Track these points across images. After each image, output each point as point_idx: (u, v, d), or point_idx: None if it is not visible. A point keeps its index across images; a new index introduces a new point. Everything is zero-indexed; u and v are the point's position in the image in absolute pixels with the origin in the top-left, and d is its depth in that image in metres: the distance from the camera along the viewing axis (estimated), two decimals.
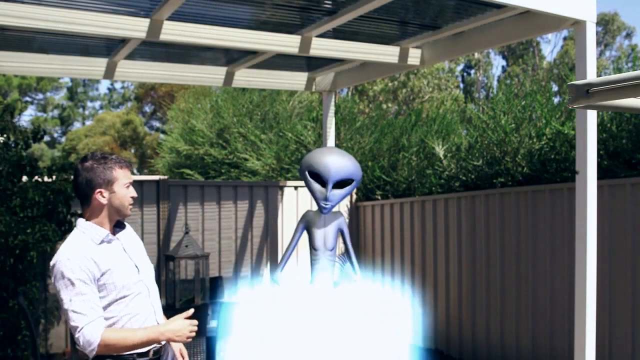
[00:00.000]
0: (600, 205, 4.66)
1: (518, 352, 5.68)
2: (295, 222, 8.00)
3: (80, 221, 2.58)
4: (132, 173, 2.74)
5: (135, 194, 2.65)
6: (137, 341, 2.46)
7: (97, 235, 2.53)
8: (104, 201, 2.54)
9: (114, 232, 2.65)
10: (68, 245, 2.50)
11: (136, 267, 2.61)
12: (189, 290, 4.88)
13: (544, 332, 5.43)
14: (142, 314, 2.57)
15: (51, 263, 2.47)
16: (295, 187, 8.00)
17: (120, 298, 2.50)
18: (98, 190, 2.53)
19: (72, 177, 5.86)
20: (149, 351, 2.57)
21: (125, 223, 2.77)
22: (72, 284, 2.39)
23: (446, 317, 6.58)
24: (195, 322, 2.58)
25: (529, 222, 5.56)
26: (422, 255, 6.93)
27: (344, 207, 8.19)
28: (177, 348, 2.86)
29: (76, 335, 2.37)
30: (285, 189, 7.93)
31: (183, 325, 2.56)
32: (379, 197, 7.88)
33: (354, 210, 8.22)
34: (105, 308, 2.47)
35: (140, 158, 30.80)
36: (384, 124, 8.83)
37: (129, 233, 2.75)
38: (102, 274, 2.46)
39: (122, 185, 2.57)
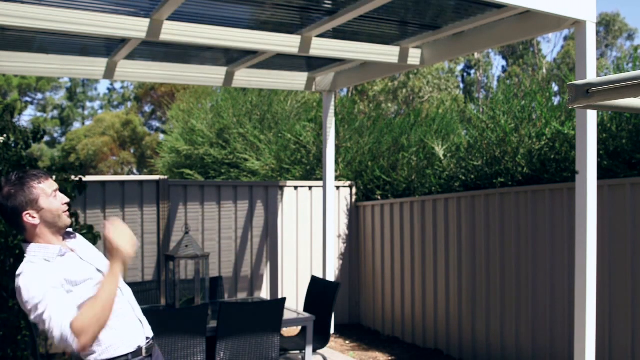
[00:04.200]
0: (600, 205, 4.66)
1: (518, 352, 5.68)
2: (295, 222, 8.03)
3: (26, 247, 2.45)
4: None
5: (66, 199, 2.51)
6: (107, 289, 2.32)
7: (48, 254, 2.43)
8: (36, 222, 2.43)
9: (65, 244, 2.55)
10: (28, 264, 2.38)
11: (98, 271, 2.55)
12: (189, 290, 4.87)
13: (544, 332, 5.43)
14: (121, 312, 2.53)
15: (17, 291, 2.32)
16: (295, 187, 8.00)
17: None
18: (25, 212, 2.41)
19: (72, 177, 5.90)
20: (140, 349, 2.56)
21: (72, 232, 2.66)
22: (39, 294, 2.28)
23: (446, 317, 6.58)
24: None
25: (529, 222, 5.56)
26: (422, 255, 6.93)
27: (344, 207, 8.19)
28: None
29: (54, 337, 2.27)
30: (285, 189, 7.93)
31: (124, 232, 2.41)
32: (379, 197, 7.88)
33: (354, 210, 8.22)
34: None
35: (139, 158, 30.79)
36: (383, 124, 8.84)
37: (79, 241, 2.65)
38: (67, 282, 2.39)
39: (46, 197, 2.44)
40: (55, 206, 2.46)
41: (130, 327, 2.56)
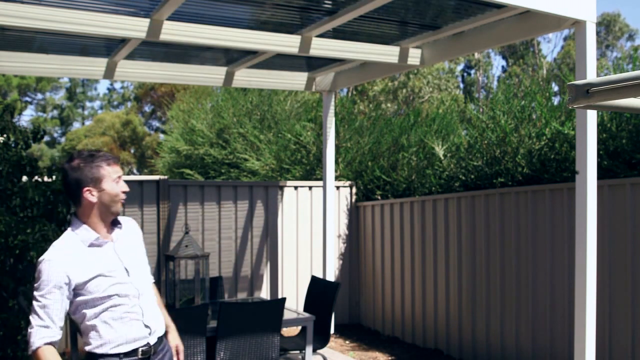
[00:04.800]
0: (600, 205, 4.66)
1: (518, 352, 5.68)
2: (295, 222, 8.03)
3: (74, 220, 2.58)
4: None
5: (126, 188, 2.62)
6: None
7: (87, 238, 2.54)
8: (93, 200, 2.53)
9: (110, 230, 2.64)
10: (56, 246, 2.52)
11: (126, 269, 2.59)
12: (189, 290, 4.87)
13: (544, 332, 5.43)
14: (127, 317, 2.56)
15: (39, 259, 2.49)
16: (295, 187, 8.00)
17: (102, 301, 2.50)
18: (87, 188, 2.52)
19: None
20: (137, 349, 2.57)
21: (124, 220, 2.74)
22: (43, 286, 2.42)
23: (446, 317, 6.58)
24: None
25: (529, 222, 5.56)
26: (422, 255, 6.93)
27: (344, 207, 8.19)
28: (174, 344, 2.86)
29: (28, 330, 2.44)
30: (285, 189, 7.93)
31: None
32: (379, 197, 7.88)
33: (354, 210, 8.22)
34: (86, 308, 2.50)
35: (139, 158, 30.79)
36: (382, 124, 8.84)
37: (126, 232, 2.72)
38: (82, 281, 2.46)
39: (110, 181, 2.55)
40: (116, 191, 2.57)
41: (133, 331, 2.57)
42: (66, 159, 2.61)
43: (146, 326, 2.61)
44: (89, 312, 2.50)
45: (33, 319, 2.43)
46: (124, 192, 2.61)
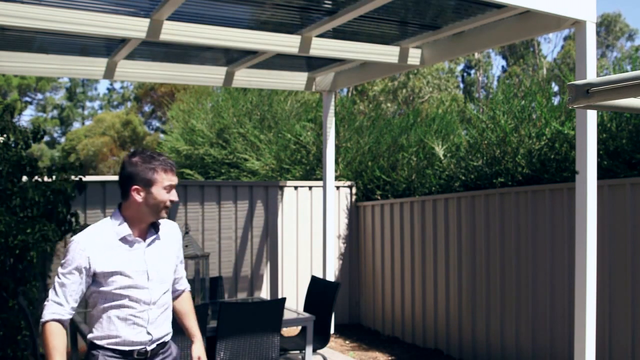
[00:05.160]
0: (600, 205, 4.66)
1: (518, 352, 5.68)
2: (295, 222, 8.03)
3: (116, 211, 2.63)
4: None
5: (175, 198, 2.64)
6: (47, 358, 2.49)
7: (120, 232, 2.57)
8: (139, 199, 2.56)
9: (147, 232, 2.65)
10: (90, 230, 2.59)
11: (147, 274, 2.60)
12: None
13: (544, 332, 5.43)
14: (132, 320, 2.57)
15: (71, 238, 2.58)
16: (295, 187, 8.00)
17: (114, 298, 2.53)
18: (136, 187, 2.55)
19: (72, 177, 5.89)
20: (132, 351, 2.58)
21: (167, 224, 2.76)
22: (66, 265, 2.51)
23: (446, 317, 6.58)
24: None
25: (529, 222, 5.56)
26: (422, 255, 6.93)
27: (344, 207, 8.19)
28: (196, 355, 2.86)
29: (44, 303, 2.52)
30: (285, 189, 7.93)
31: None
32: (379, 197, 7.88)
33: (354, 210, 8.22)
34: (98, 298, 2.55)
35: None
36: (382, 124, 8.84)
37: (164, 237, 2.72)
38: (101, 271, 2.51)
39: (161, 187, 2.58)
40: (163, 198, 2.59)
41: (134, 334, 2.58)
42: (131, 152, 2.67)
43: (148, 333, 2.62)
44: (99, 303, 2.55)
45: (50, 293, 2.52)
46: (171, 202, 2.62)
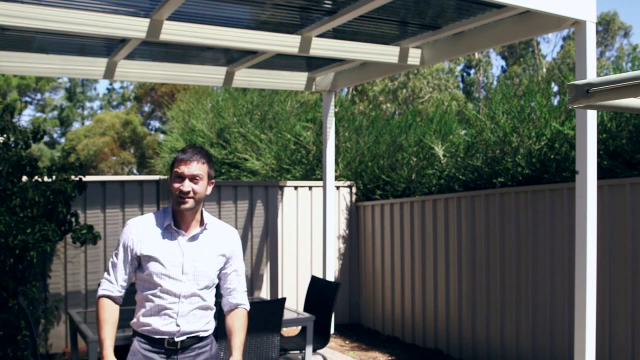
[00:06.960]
0: (600, 205, 4.66)
1: (518, 352, 5.68)
2: (295, 222, 8.03)
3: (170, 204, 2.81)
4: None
5: (184, 189, 2.65)
6: (98, 335, 2.67)
7: (164, 221, 2.72)
8: (171, 190, 2.72)
9: (191, 226, 2.72)
10: (142, 216, 2.79)
11: (182, 267, 2.66)
12: None
13: (544, 332, 5.43)
14: (163, 310, 2.65)
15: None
16: (295, 187, 8.00)
17: (149, 286, 2.66)
18: (169, 177, 2.73)
19: (72, 177, 5.90)
20: (162, 340, 2.65)
21: (221, 227, 2.82)
22: (118, 245, 2.73)
23: (446, 317, 6.58)
24: None
25: (529, 222, 5.56)
26: (422, 255, 6.93)
27: (343, 207, 8.19)
28: None
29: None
30: (285, 189, 7.93)
31: None
32: (379, 197, 7.88)
33: (354, 210, 8.22)
34: (139, 283, 2.72)
35: (139, 158, 30.79)
36: (381, 124, 8.84)
37: (212, 237, 2.76)
38: (141, 253, 2.67)
39: (175, 177, 2.67)
40: (173, 188, 2.68)
41: (162, 324, 2.66)
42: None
43: (177, 325, 2.67)
44: (139, 290, 2.71)
45: (106, 271, 2.76)
46: (181, 192, 2.65)
